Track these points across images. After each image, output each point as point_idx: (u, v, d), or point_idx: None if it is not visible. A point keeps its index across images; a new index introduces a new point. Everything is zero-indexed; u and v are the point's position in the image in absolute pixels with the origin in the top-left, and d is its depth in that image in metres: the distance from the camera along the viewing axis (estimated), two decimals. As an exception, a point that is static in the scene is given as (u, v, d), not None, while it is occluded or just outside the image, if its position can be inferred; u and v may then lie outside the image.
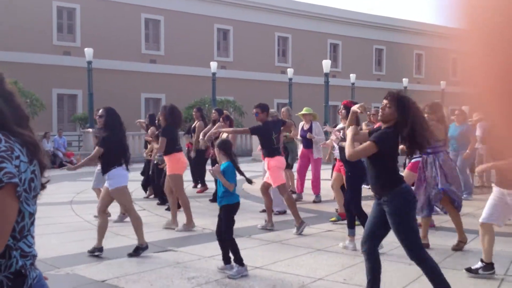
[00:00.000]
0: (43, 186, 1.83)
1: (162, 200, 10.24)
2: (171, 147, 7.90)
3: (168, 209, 9.62)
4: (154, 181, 10.63)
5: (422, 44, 40.05)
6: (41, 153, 1.79)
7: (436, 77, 33.33)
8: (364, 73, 38.31)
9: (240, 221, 8.26)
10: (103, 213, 6.42)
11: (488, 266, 5.24)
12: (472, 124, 10.46)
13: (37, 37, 26.26)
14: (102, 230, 6.26)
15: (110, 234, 7.44)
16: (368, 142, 4.20)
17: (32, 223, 1.77)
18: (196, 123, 11.78)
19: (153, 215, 8.96)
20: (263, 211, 8.96)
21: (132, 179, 13.14)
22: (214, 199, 10.50)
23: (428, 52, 40.87)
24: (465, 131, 10.26)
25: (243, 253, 6.30)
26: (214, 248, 5.95)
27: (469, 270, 5.30)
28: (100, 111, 6.78)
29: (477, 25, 0.80)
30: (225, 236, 5.53)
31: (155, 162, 9.37)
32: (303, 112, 10.64)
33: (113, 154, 6.35)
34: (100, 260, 6.00)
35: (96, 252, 6.12)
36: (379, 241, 4.44)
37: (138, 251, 6.19)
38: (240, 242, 6.94)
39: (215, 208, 9.75)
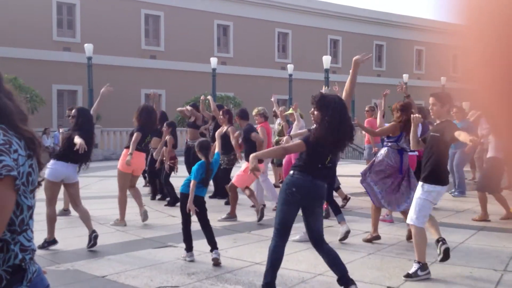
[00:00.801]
0: (38, 184, 1.84)
1: (163, 195, 10.34)
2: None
3: (167, 204, 9.64)
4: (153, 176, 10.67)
5: (423, 39, 40.00)
6: (40, 149, 1.80)
7: (437, 73, 33.30)
8: (364, 69, 38.21)
9: (240, 217, 8.29)
10: (76, 207, 6.63)
11: (424, 266, 5.06)
12: (474, 120, 10.45)
13: (37, 33, 26.22)
14: (86, 220, 6.44)
15: (110, 230, 7.46)
16: (299, 141, 4.53)
17: (31, 217, 1.79)
18: (192, 119, 11.77)
19: (153, 210, 8.97)
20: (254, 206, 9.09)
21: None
22: (213, 195, 10.50)
23: (429, 47, 40.83)
24: (465, 128, 10.24)
25: (242, 248, 6.32)
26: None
27: (407, 276, 5.05)
28: (73, 111, 6.89)
29: (477, 22, 0.80)
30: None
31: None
32: (290, 111, 10.68)
33: (69, 150, 6.40)
34: (100, 255, 6.01)
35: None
36: (316, 233, 4.58)
37: (44, 244, 6.23)
38: (239, 238, 6.97)
39: (215, 204, 9.79)
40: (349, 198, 9.36)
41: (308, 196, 4.41)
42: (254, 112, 9.68)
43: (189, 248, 5.85)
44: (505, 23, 0.77)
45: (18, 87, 19.09)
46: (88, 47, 21.64)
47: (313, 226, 4.54)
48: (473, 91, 0.88)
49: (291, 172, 4.48)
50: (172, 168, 9.96)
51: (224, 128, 9.22)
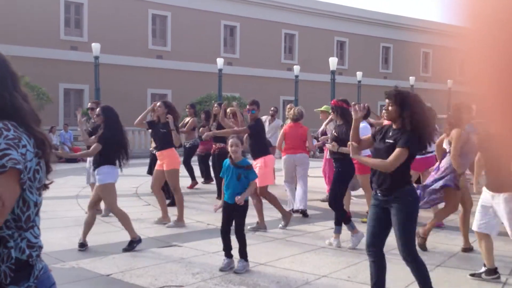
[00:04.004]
0: (45, 187, 1.86)
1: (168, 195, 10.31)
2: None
3: (170, 204, 9.59)
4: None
5: (429, 42, 39.87)
6: (50, 151, 1.82)
7: (443, 76, 33.19)
8: (371, 71, 38.19)
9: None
10: (91, 208, 6.50)
11: (491, 271, 5.18)
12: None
13: (45, 32, 26.33)
14: (88, 225, 6.32)
15: (115, 229, 7.48)
16: (399, 149, 4.09)
17: (37, 214, 1.80)
18: (189, 119, 11.78)
19: (157, 210, 8.97)
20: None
21: (136, 174, 13.19)
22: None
23: (435, 50, 40.69)
24: None
25: (247, 249, 6.32)
26: (218, 244, 5.95)
27: (472, 274, 5.26)
28: (97, 110, 6.82)
29: (481, 24, 0.80)
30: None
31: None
32: (322, 108, 10.47)
33: (108, 152, 6.39)
34: (105, 254, 6.03)
35: (82, 248, 6.21)
36: (383, 242, 4.37)
37: (132, 245, 6.26)
38: (244, 239, 6.97)
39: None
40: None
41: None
42: (288, 113, 9.39)
43: (227, 255, 5.60)
44: (510, 23, 0.77)
45: (25, 85, 19.12)
46: (95, 47, 21.70)
47: (386, 228, 4.36)
48: (478, 95, 0.88)
49: (413, 188, 4.24)
50: None
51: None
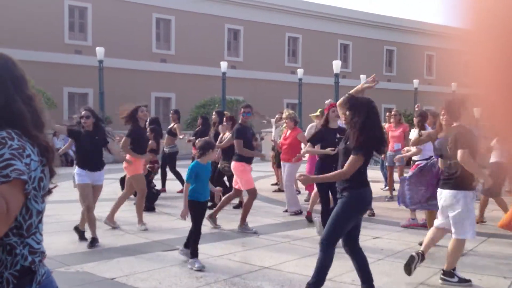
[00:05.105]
0: (49, 191, 1.85)
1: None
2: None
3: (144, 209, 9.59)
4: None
5: (433, 45, 39.77)
6: (53, 157, 1.82)
7: (447, 79, 33.13)
8: (375, 74, 38.08)
9: (249, 221, 8.28)
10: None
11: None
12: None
13: (49, 36, 26.44)
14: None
15: (119, 233, 7.50)
16: (356, 157, 4.40)
17: (40, 221, 1.80)
18: (175, 125, 11.62)
19: (161, 213, 8.99)
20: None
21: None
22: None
23: (440, 53, 40.62)
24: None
25: (251, 252, 6.32)
26: (222, 248, 5.97)
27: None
28: (84, 112, 7.08)
29: (483, 26, 0.80)
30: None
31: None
32: (317, 113, 10.42)
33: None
34: (109, 258, 6.04)
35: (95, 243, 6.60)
36: (354, 238, 4.64)
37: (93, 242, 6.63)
38: (248, 242, 6.97)
39: (226, 209, 9.79)
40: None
41: (368, 205, 4.63)
42: (285, 115, 9.48)
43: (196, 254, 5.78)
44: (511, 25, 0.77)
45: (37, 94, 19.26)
46: (100, 50, 21.77)
47: (355, 231, 4.61)
48: (480, 95, 0.88)
49: (358, 189, 4.42)
50: (150, 172, 9.80)
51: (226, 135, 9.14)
